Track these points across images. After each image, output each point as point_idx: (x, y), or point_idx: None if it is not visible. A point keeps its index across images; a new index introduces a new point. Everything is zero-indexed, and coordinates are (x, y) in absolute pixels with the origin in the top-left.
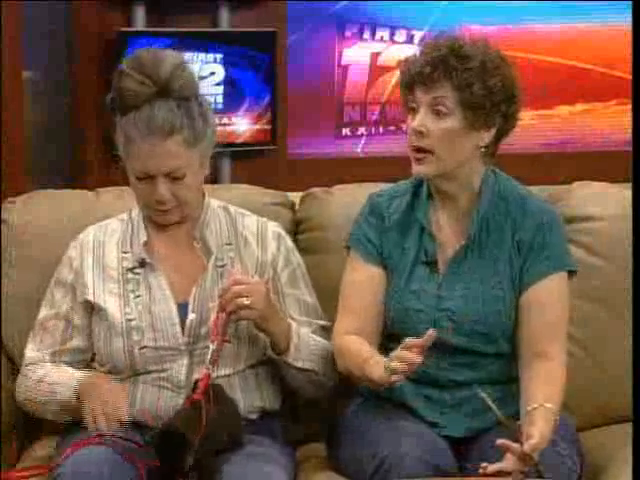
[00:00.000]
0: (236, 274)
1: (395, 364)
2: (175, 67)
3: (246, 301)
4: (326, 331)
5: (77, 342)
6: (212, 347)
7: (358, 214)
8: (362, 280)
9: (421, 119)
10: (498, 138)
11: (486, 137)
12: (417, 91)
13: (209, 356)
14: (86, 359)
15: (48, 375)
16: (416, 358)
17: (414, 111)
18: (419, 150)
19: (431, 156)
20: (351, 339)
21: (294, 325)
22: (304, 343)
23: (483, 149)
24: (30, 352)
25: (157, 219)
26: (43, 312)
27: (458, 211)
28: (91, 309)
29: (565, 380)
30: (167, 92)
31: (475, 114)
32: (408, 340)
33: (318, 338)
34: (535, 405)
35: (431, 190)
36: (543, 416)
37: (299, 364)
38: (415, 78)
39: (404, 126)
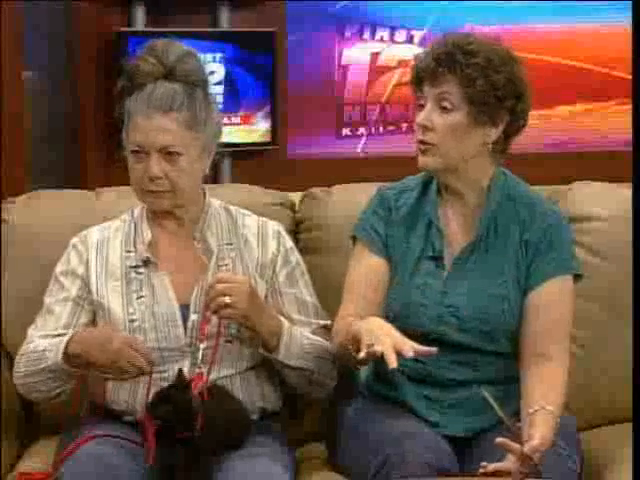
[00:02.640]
0: (221, 273)
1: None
2: (184, 54)
3: (227, 300)
4: (327, 330)
5: (84, 321)
6: (201, 347)
7: (366, 206)
8: (365, 270)
9: (427, 114)
10: (507, 136)
11: (493, 134)
12: (424, 86)
13: (200, 356)
14: None
15: (40, 345)
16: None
17: (422, 106)
18: (423, 143)
19: (434, 149)
20: (348, 319)
21: (286, 324)
22: (296, 342)
23: (490, 146)
24: (31, 330)
25: (149, 203)
26: (49, 298)
27: (466, 209)
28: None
29: (566, 382)
30: (173, 75)
31: (479, 109)
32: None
33: (315, 337)
34: (536, 407)
35: (440, 186)
36: (544, 418)
37: (291, 362)
38: (422, 74)
39: (404, 126)
